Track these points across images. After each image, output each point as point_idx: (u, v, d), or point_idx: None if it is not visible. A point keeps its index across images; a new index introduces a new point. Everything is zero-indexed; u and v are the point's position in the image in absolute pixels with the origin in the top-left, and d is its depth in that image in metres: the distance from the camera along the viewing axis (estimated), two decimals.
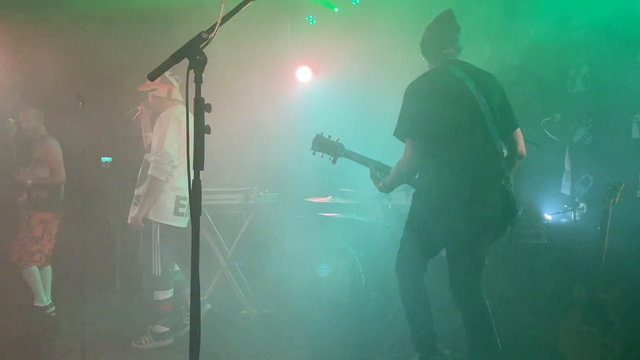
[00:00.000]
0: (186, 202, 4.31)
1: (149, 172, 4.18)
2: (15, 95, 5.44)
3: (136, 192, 4.35)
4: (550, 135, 4.67)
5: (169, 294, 4.32)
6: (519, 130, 3.17)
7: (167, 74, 4.28)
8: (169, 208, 4.25)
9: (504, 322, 4.17)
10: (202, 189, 1.91)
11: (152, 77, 1.88)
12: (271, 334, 4.62)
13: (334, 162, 3.80)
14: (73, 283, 5.12)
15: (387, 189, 3.40)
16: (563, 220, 4.75)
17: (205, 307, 4.66)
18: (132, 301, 5.99)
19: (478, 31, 5.67)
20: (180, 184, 4.29)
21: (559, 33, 5.12)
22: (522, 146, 3.18)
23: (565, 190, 4.81)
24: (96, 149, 4.84)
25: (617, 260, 3.73)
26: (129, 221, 4.33)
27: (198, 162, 1.85)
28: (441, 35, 3.28)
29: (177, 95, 4.39)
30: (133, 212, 4.28)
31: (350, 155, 3.73)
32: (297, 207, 5.78)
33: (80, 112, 3.85)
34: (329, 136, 3.83)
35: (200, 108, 1.85)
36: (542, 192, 4.98)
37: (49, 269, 5.18)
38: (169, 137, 4.18)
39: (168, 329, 4.32)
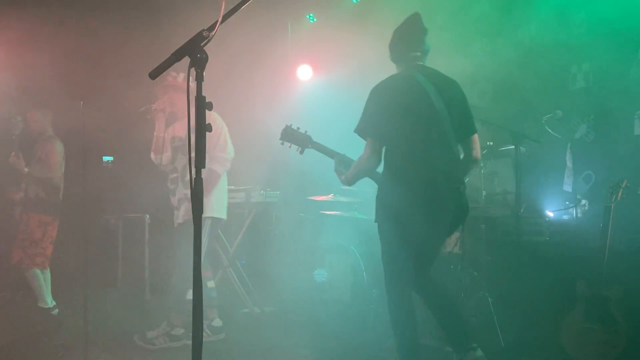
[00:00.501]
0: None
1: (213, 167, 4.27)
2: (22, 94, 5.43)
3: (186, 192, 4.36)
4: (552, 132, 4.66)
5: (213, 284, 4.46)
6: (475, 136, 3.29)
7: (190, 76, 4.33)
8: (224, 202, 4.47)
9: (506, 319, 4.17)
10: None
11: (154, 75, 1.88)
12: (273, 333, 4.62)
13: (301, 152, 3.91)
14: (74, 282, 5.13)
15: (349, 182, 3.48)
16: (565, 217, 4.74)
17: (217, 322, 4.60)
18: (134, 300, 6.00)
19: (479, 28, 5.67)
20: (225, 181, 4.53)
21: (560, 29, 5.11)
22: (477, 151, 3.29)
23: (567, 187, 4.81)
24: (97, 148, 4.81)
25: (620, 257, 3.72)
26: (180, 220, 4.37)
27: (199, 161, 1.85)
28: (408, 38, 3.37)
29: None
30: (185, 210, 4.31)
31: (317, 146, 3.83)
32: (298, 205, 5.77)
33: (81, 111, 3.86)
34: (298, 128, 3.94)
35: (201, 106, 1.85)
36: (543, 189, 4.97)
37: (48, 271, 5.17)
38: (226, 132, 4.39)
39: (184, 330, 4.32)
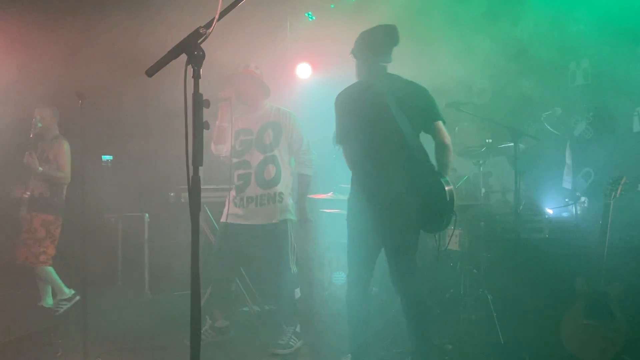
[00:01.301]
0: None
1: (302, 171, 4.27)
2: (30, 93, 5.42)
3: (264, 191, 4.22)
4: (551, 129, 4.66)
5: (299, 290, 4.37)
6: (438, 124, 3.40)
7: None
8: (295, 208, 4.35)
9: (506, 316, 4.17)
10: (203, 186, 1.90)
11: (151, 73, 1.88)
12: (273, 331, 4.62)
13: None
14: (74, 281, 5.13)
15: None
16: (564, 214, 4.74)
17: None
18: (134, 299, 6.00)
19: (478, 25, 5.66)
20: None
21: (559, 26, 5.11)
22: (443, 139, 3.38)
23: (567, 184, 4.80)
24: (96, 147, 4.81)
25: (619, 254, 3.72)
26: (264, 221, 4.22)
27: (197, 158, 1.84)
28: (381, 50, 3.55)
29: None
30: (266, 211, 4.21)
31: None
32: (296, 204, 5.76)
33: (80, 110, 3.85)
34: None
35: (198, 104, 1.84)
36: (543, 186, 4.97)
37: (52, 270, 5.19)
38: (306, 133, 4.33)
39: (228, 322, 4.42)
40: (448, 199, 3.22)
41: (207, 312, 4.40)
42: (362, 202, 3.41)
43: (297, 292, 4.30)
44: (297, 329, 4.28)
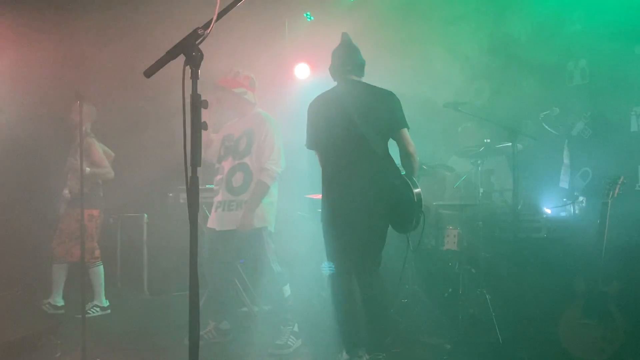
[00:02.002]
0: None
1: (262, 178, 4.15)
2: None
3: (232, 197, 4.21)
4: (549, 129, 4.67)
5: (289, 288, 4.36)
6: (402, 132, 3.51)
7: (253, 76, 4.39)
8: (273, 215, 4.32)
9: (504, 316, 4.18)
10: (201, 187, 1.90)
11: (149, 74, 1.88)
12: (272, 331, 4.61)
13: None
14: (73, 283, 5.13)
15: None
16: (562, 213, 4.75)
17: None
18: (133, 300, 6.00)
19: (475, 26, 5.67)
20: (275, 190, 4.36)
21: (557, 26, 5.12)
22: (406, 147, 3.51)
23: (564, 183, 4.82)
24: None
25: (617, 253, 3.73)
26: (233, 227, 4.15)
27: (195, 159, 1.85)
28: (340, 55, 3.72)
29: (256, 99, 4.45)
30: (234, 217, 4.15)
31: None
32: (296, 203, 5.77)
33: (78, 111, 3.86)
34: None
35: (197, 104, 1.85)
36: (541, 186, 4.98)
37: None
38: (279, 141, 4.25)
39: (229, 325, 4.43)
40: (416, 200, 3.35)
41: (209, 314, 4.39)
42: (329, 204, 3.60)
43: (287, 290, 4.30)
44: (295, 329, 4.27)
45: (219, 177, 4.34)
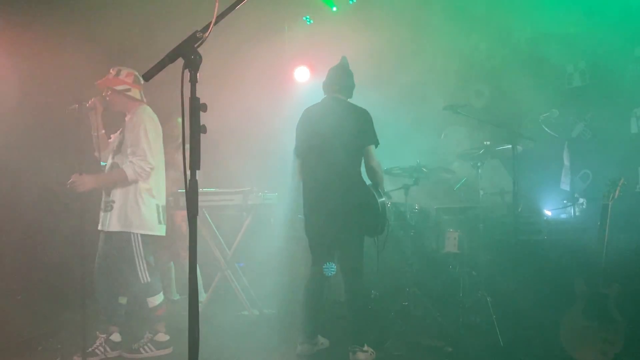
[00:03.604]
0: (164, 211, 4.23)
1: (124, 168, 3.95)
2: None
3: (106, 197, 4.08)
4: (549, 131, 4.67)
5: (160, 297, 4.17)
6: (369, 148, 3.91)
7: (136, 73, 4.19)
8: (152, 218, 4.08)
9: (505, 318, 4.17)
10: (201, 190, 1.90)
11: (148, 77, 1.88)
12: (272, 335, 4.61)
13: None
14: (73, 287, 5.12)
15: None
16: (563, 215, 4.75)
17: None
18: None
19: (476, 28, 5.68)
20: (158, 191, 4.16)
21: (556, 28, 5.12)
22: (369, 162, 3.93)
23: (565, 185, 4.82)
24: (93, 152, 4.78)
25: (617, 255, 3.72)
26: (108, 229, 4.02)
27: (194, 162, 1.84)
28: (330, 75, 4.17)
29: (143, 96, 4.23)
30: (110, 219, 4.02)
31: None
32: (296, 207, 5.77)
33: (77, 114, 3.84)
34: None
35: (195, 108, 1.85)
36: (541, 188, 4.98)
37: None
38: (149, 136, 4.00)
39: (168, 337, 4.20)
40: (380, 209, 3.84)
41: (98, 327, 4.15)
42: (307, 210, 4.03)
43: (156, 299, 4.13)
44: (158, 338, 4.17)
45: None
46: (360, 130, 3.89)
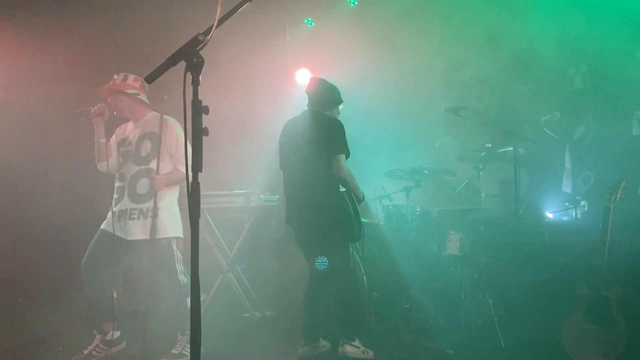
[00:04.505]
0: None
1: (180, 167, 4.01)
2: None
3: (135, 205, 4.01)
4: (550, 133, 4.67)
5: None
6: (336, 157, 3.98)
7: (142, 78, 4.13)
8: (180, 221, 4.16)
9: (507, 321, 4.17)
10: (203, 192, 1.91)
11: (150, 80, 1.89)
12: (274, 337, 4.61)
13: None
14: (76, 289, 5.12)
15: None
16: (564, 218, 4.74)
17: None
18: (134, 306, 5.98)
19: (477, 31, 5.69)
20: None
21: (558, 31, 5.13)
22: (336, 170, 3.98)
23: (566, 188, 4.81)
24: (92, 155, 4.77)
25: (619, 257, 3.72)
26: (153, 236, 3.93)
27: (196, 164, 1.85)
28: (307, 87, 4.30)
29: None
30: (142, 226, 3.97)
31: None
32: None
33: (85, 116, 3.84)
34: None
35: (198, 110, 1.85)
36: (542, 190, 4.97)
37: None
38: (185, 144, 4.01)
39: (119, 332, 4.18)
40: (353, 215, 3.99)
41: (94, 326, 4.12)
42: (287, 218, 4.18)
43: (189, 301, 4.08)
44: (108, 337, 4.06)
45: (118, 184, 4.13)
46: (329, 140, 3.98)
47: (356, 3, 6.47)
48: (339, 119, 4.19)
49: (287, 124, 4.28)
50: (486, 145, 4.63)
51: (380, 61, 6.13)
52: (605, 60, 4.74)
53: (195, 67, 1.86)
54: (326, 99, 4.22)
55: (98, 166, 4.17)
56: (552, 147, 4.88)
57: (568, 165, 4.83)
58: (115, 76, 4.13)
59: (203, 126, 1.87)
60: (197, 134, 1.85)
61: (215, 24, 1.89)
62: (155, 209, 3.95)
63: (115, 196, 4.12)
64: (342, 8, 6.62)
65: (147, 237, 3.94)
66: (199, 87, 1.87)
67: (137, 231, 3.99)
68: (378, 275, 4.71)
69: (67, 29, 5.61)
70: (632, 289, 3.60)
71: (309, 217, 3.99)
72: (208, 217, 5.32)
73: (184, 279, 4.10)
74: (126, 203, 4.03)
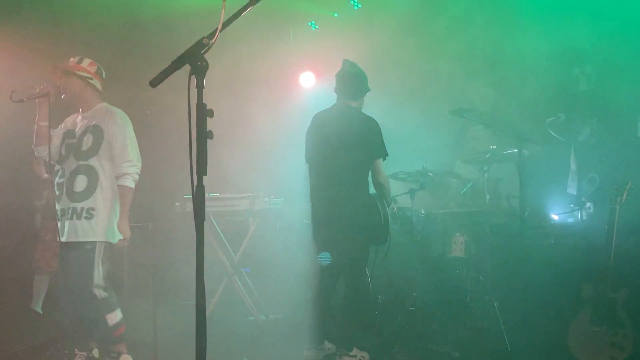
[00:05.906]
0: None
1: (125, 183, 3.70)
2: None
3: (72, 204, 3.68)
4: (555, 135, 4.65)
5: (119, 314, 3.74)
6: (376, 163, 3.93)
7: (99, 65, 3.85)
8: (115, 228, 3.77)
9: (513, 323, 4.15)
10: (207, 195, 1.91)
11: (154, 83, 1.89)
12: (279, 340, 4.61)
13: None
14: None
15: None
16: (570, 220, 4.72)
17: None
18: (140, 307, 5.99)
19: (481, 32, 5.68)
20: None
21: (562, 32, 5.11)
22: (376, 177, 3.96)
23: (572, 189, 4.79)
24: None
25: (625, 259, 3.70)
26: (65, 239, 3.65)
27: (201, 167, 1.85)
28: (337, 82, 4.15)
29: (102, 91, 3.89)
30: (77, 227, 3.65)
31: None
32: (302, 211, 5.77)
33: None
34: None
35: (202, 113, 1.85)
36: (548, 192, 4.95)
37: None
38: (134, 141, 3.79)
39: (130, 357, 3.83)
40: (383, 221, 3.91)
41: (75, 343, 3.93)
42: (313, 214, 4.07)
43: (111, 317, 3.67)
44: (94, 354, 3.82)
45: (58, 179, 3.77)
46: (368, 142, 3.89)
47: (360, 5, 6.47)
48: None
49: (317, 117, 4.14)
50: (491, 147, 4.62)
51: (383, 63, 6.13)
52: (610, 61, 4.73)
53: (199, 70, 1.86)
54: (358, 86, 4.10)
55: (35, 151, 3.85)
56: (557, 149, 4.86)
57: (573, 166, 4.81)
58: (72, 58, 3.81)
59: (207, 129, 1.87)
60: (201, 138, 1.85)
61: (220, 27, 1.89)
62: (90, 209, 3.64)
63: (56, 193, 3.76)
64: (346, 11, 6.62)
65: (75, 239, 3.65)
66: (203, 90, 1.87)
67: (70, 232, 3.68)
68: (383, 278, 4.70)
69: (68, 36, 5.63)
70: (639, 290, 3.58)
71: (337, 215, 3.88)
72: (212, 220, 5.33)
73: (102, 293, 3.65)
74: (65, 201, 3.72)
